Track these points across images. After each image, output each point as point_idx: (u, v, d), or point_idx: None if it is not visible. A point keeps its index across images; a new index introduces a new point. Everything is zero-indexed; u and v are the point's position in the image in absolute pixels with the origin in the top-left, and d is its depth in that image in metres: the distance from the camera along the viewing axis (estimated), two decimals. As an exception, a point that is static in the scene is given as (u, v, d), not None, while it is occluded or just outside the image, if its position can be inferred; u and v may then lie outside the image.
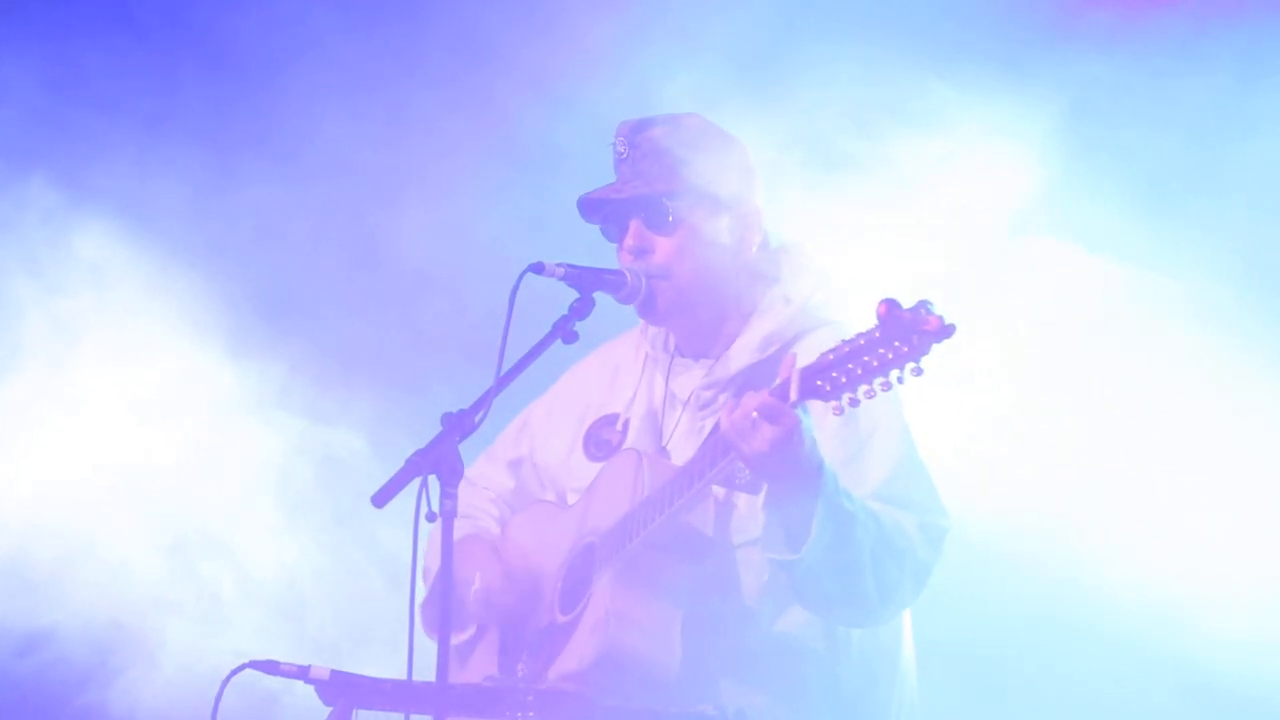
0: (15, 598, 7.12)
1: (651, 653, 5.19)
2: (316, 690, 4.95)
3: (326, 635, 7.19)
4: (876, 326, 4.73)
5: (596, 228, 5.58)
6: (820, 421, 5.02)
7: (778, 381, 4.94)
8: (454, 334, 7.41)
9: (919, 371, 4.70)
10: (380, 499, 4.97)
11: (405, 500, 4.96)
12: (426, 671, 4.91)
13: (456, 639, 5.56)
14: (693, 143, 5.48)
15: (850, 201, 5.96)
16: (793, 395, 4.89)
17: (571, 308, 5.33)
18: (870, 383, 4.76)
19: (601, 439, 5.63)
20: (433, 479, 4.92)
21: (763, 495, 5.11)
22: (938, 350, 4.69)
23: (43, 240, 7.31)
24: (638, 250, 5.47)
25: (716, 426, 5.09)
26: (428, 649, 5.01)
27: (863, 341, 4.76)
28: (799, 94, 6.22)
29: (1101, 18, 6.86)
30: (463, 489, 5.01)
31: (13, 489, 7.07)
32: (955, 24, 6.88)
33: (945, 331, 4.66)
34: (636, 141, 5.49)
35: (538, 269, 5.31)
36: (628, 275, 5.43)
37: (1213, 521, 6.70)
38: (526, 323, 5.26)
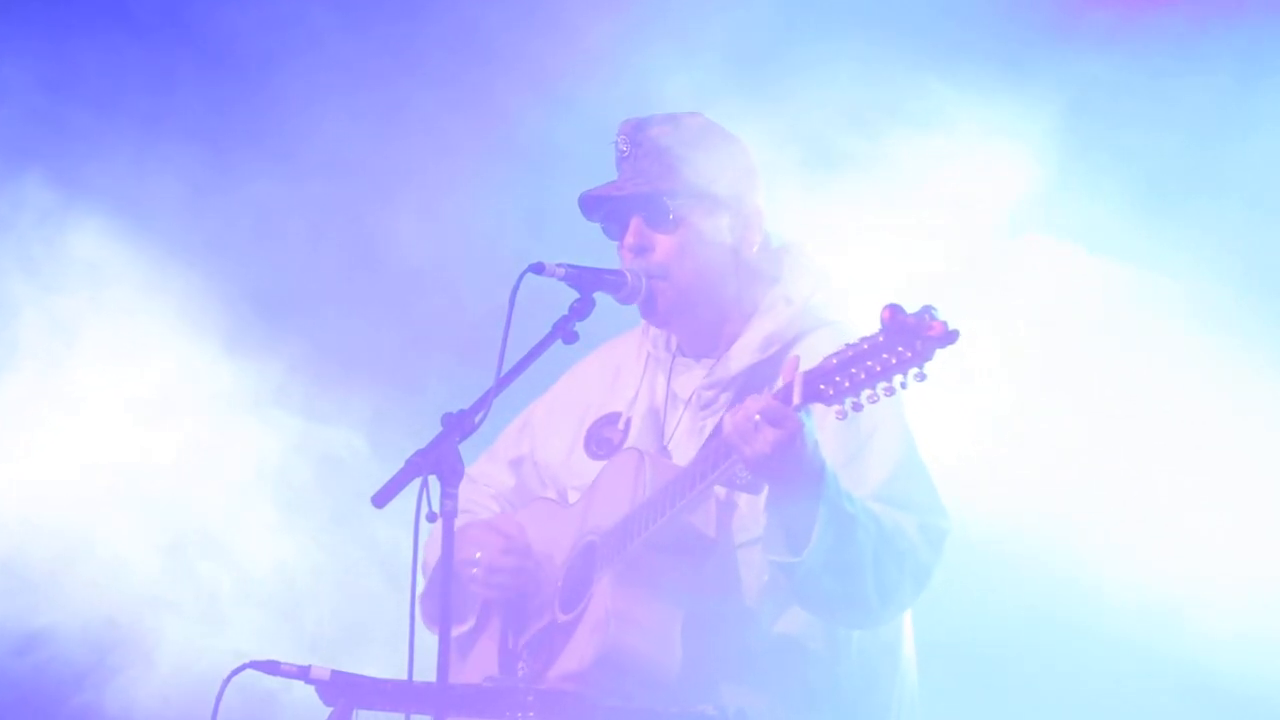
0: (13, 597, 7.10)
1: (652, 653, 5.18)
2: (317, 690, 4.94)
3: (324, 634, 7.18)
4: (880, 331, 4.71)
5: (597, 227, 5.57)
6: (821, 422, 5.00)
7: (780, 384, 4.93)
8: (453, 333, 7.40)
9: (922, 377, 4.69)
10: (380, 499, 4.96)
11: (405, 499, 4.95)
12: (426, 671, 4.90)
13: (457, 630, 5.56)
14: (694, 142, 5.47)
15: (850, 201, 5.95)
16: (796, 399, 4.88)
17: (572, 308, 5.33)
18: (873, 387, 4.75)
19: (603, 437, 5.63)
20: (433, 479, 4.92)
21: (764, 496, 5.11)
22: (940, 354, 4.68)
23: (39, 239, 7.29)
24: (638, 248, 5.46)
25: (718, 428, 5.09)
26: (428, 649, 4.99)
27: (866, 346, 4.74)
28: (798, 93, 6.22)
29: (1101, 18, 6.86)
30: (463, 486, 4.99)
31: (10, 488, 7.05)
32: (954, 23, 6.87)
33: (949, 337, 4.65)
34: (638, 140, 5.48)
35: (538, 269, 5.30)
36: (628, 275, 5.42)
37: (1212, 521, 6.70)
38: (526, 323, 5.25)
